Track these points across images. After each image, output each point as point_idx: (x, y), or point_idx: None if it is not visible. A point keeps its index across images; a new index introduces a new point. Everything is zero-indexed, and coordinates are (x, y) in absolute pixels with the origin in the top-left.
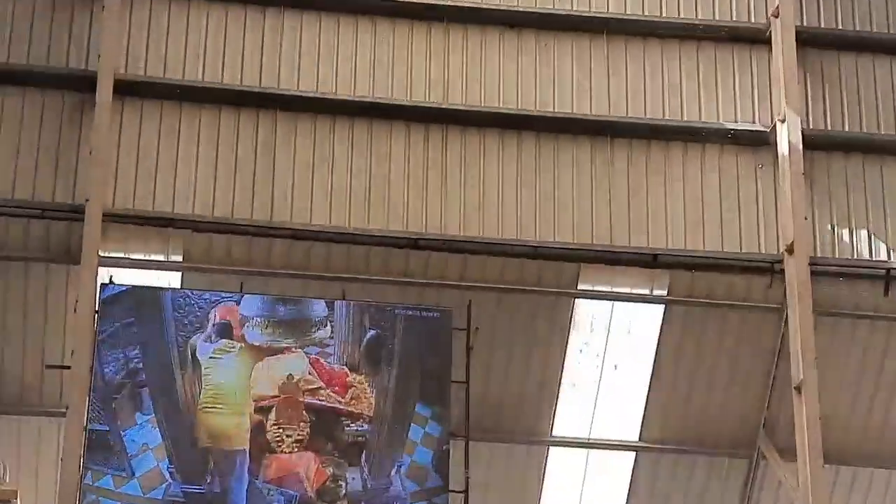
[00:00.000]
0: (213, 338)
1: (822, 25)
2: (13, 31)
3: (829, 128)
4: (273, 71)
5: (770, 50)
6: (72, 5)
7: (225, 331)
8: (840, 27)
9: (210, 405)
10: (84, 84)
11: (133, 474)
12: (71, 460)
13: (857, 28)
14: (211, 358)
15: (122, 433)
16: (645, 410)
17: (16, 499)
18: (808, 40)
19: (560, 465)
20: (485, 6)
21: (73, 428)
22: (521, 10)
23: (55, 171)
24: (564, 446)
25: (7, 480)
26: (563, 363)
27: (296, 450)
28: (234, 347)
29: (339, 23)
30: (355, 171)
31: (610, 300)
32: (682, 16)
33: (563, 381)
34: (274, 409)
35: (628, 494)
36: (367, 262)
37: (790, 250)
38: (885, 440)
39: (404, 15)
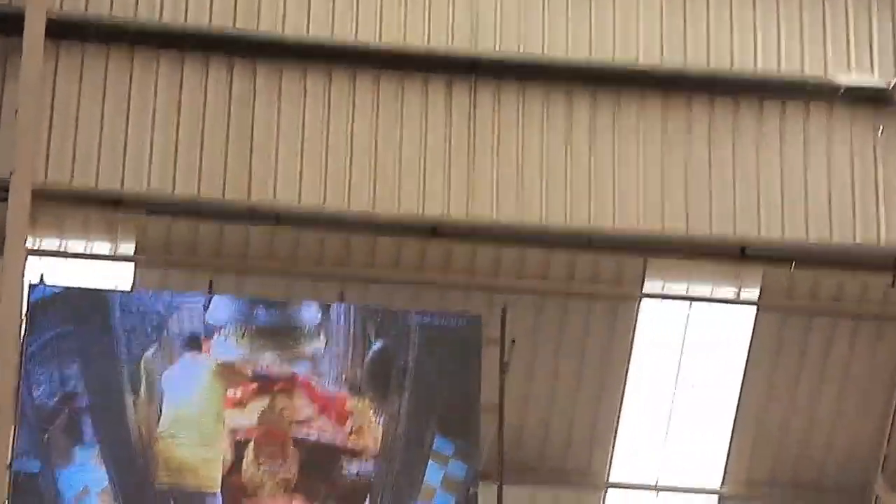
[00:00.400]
0: (173, 352)
1: None
2: None
3: None
4: (251, 8)
5: None
6: None
7: (189, 343)
8: None
9: (170, 435)
10: (7, 24)
11: None
12: None
13: None
14: (171, 378)
15: (57, 474)
16: (730, 446)
17: None
18: None
19: None
20: None
21: None
22: None
23: None
24: (626, 489)
25: None
26: (625, 385)
27: (281, 492)
28: (201, 364)
29: None
30: (357, 138)
31: (685, 301)
32: None
33: (624, 407)
34: (252, 443)
35: None
36: (371, 256)
37: None
38: None
39: None
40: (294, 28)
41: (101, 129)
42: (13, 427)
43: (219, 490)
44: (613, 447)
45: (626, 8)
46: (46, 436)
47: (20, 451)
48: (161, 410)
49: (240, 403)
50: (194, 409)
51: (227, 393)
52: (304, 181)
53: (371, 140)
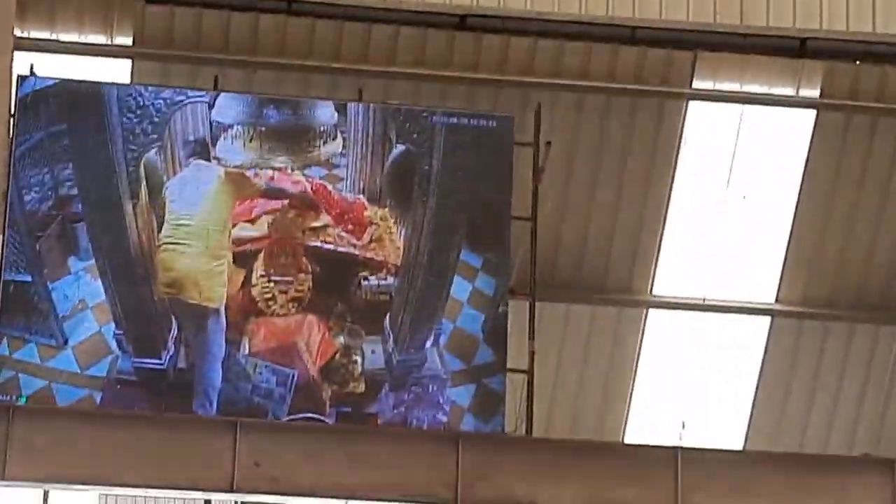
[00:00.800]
0: (176, 157)
1: None
2: None
3: None
4: None
5: None
6: None
7: (195, 149)
8: None
9: (173, 242)
10: None
11: (66, 343)
12: None
13: None
14: (175, 186)
15: (50, 286)
16: (785, 261)
17: None
18: None
19: (663, 335)
20: None
21: None
22: None
23: None
24: (670, 308)
25: None
26: (670, 191)
27: (293, 311)
28: (208, 172)
29: None
30: None
31: (738, 103)
32: None
33: (669, 216)
34: (262, 254)
35: (761, 368)
36: (393, 49)
37: None
38: None
39: None
40: None
41: None
42: (2, 235)
43: (223, 305)
44: (657, 261)
45: None
46: (38, 245)
47: (9, 262)
48: (164, 217)
49: (248, 212)
50: (199, 218)
51: (236, 202)
52: None
53: None
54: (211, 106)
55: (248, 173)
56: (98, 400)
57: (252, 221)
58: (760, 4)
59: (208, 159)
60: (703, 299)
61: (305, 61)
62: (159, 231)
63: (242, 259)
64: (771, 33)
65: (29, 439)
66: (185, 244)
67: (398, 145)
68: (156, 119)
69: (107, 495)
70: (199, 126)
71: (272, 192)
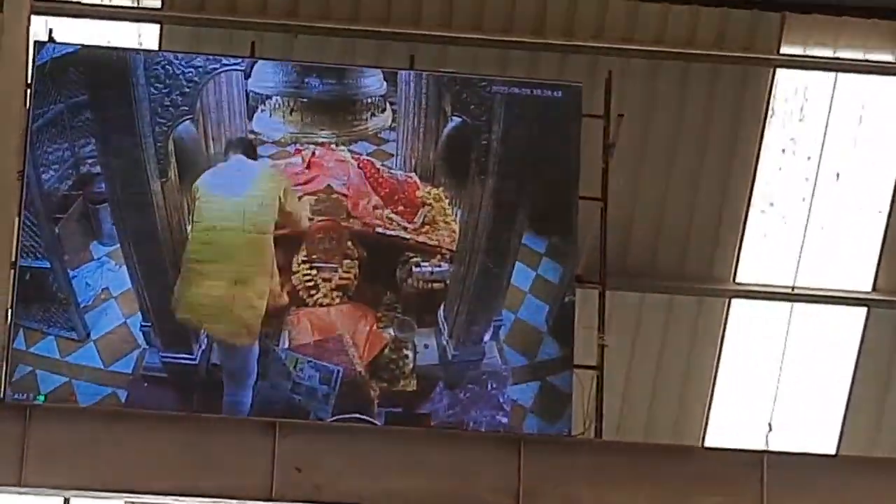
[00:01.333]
0: (210, 129)
1: None
2: None
3: None
4: None
5: None
6: None
7: (235, 144)
8: None
9: (206, 225)
10: None
11: (88, 336)
12: None
13: None
14: (210, 177)
15: (71, 273)
16: (883, 244)
17: None
18: None
19: (747, 327)
20: None
21: None
22: None
23: None
24: (755, 298)
25: None
26: (755, 168)
27: (337, 301)
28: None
29: None
30: None
31: (831, 70)
32: None
33: (754, 195)
34: (303, 239)
35: (857, 364)
36: (448, 11)
37: None
38: None
39: None
40: None
41: None
42: (18, 218)
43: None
44: (740, 246)
45: None
46: (57, 228)
47: (26, 247)
48: (194, 199)
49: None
50: (234, 198)
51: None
52: None
53: None
54: (247, 75)
55: (289, 149)
56: (123, 398)
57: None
58: None
59: (249, 156)
60: (792, 288)
61: (351, 25)
62: (190, 213)
63: (283, 243)
64: None
65: (48, 442)
66: (218, 227)
67: (454, 118)
68: (186, 89)
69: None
70: (234, 98)
71: (313, 161)
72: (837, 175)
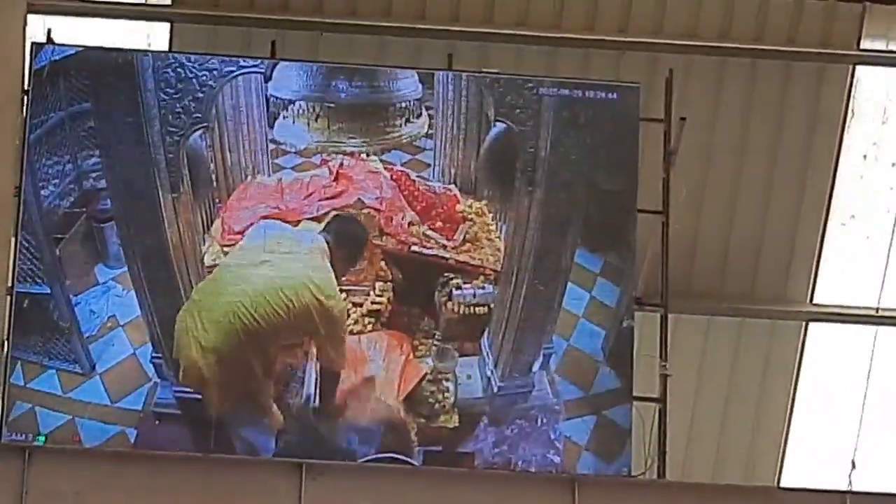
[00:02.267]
0: (226, 139)
1: None
2: None
3: None
4: None
5: None
6: None
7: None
8: None
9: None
10: None
11: (93, 369)
12: None
13: None
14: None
15: (74, 300)
16: None
17: None
18: None
19: (827, 353)
20: None
21: None
22: None
23: None
24: (835, 321)
25: None
26: (834, 178)
27: (369, 328)
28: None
29: None
30: None
31: None
32: None
33: (832, 207)
34: (330, 259)
35: None
36: (490, 6)
37: None
38: None
39: None
40: None
41: None
42: (14, 238)
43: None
44: (818, 263)
45: None
46: (58, 250)
47: (23, 271)
48: (211, 211)
49: (313, 207)
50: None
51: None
52: None
53: None
54: (268, 78)
55: (314, 160)
56: (132, 438)
57: (319, 219)
58: None
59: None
60: (877, 309)
61: (383, 21)
62: (206, 230)
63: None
64: None
65: (50, 486)
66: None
67: (497, 123)
68: (200, 94)
69: None
70: (253, 104)
71: (341, 172)
72: None
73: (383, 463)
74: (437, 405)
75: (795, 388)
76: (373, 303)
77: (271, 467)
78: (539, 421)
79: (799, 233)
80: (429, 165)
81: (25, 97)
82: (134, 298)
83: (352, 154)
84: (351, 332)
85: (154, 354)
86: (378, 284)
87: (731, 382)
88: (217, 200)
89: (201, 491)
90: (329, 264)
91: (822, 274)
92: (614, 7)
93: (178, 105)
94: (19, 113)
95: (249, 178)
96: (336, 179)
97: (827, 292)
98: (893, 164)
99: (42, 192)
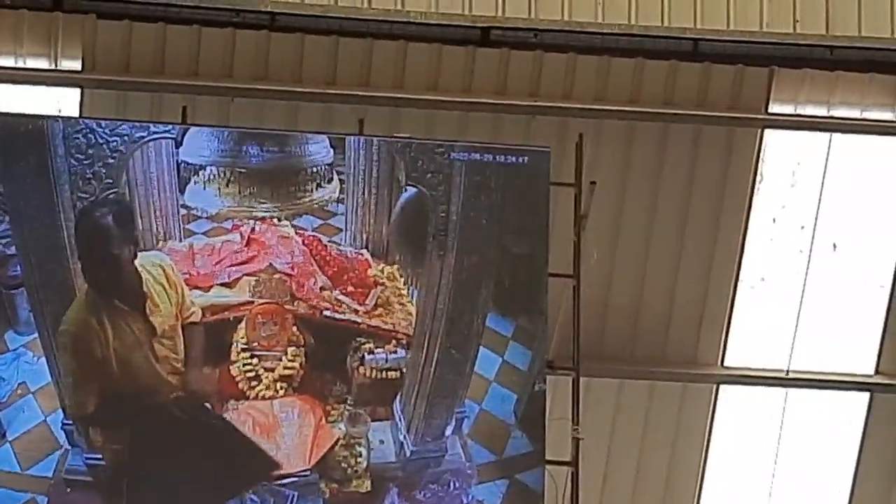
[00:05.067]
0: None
1: None
2: None
3: None
4: None
5: None
6: None
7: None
8: None
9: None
10: None
11: (3, 436)
12: None
13: None
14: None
15: None
16: (886, 322)
17: None
18: None
19: (737, 415)
20: None
21: None
22: None
23: None
24: (745, 383)
25: None
26: (744, 240)
27: (281, 393)
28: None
29: None
30: None
31: (825, 131)
32: None
33: (742, 270)
34: (243, 325)
35: (860, 455)
36: (400, 71)
37: None
38: None
39: None
40: None
41: None
42: None
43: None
44: (728, 326)
45: None
46: None
47: None
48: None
49: (226, 283)
50: (163, 280)
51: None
52: None
53: None
54: (179, 143)
55: (225, 225)
56: None
57: (230, 285)
58: (851, 9)
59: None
60: (787, 371)
61: (294, 87)
62: None
63: (219, 328)
64: (864, 44)
65: None
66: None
67: (408, 187)
68: (111, 160)
69: None
70: (164, 169)
71: (252, 238)
72: (834, 246)
73: None
74: (349, 470)
75: (707, 451)
76: (285, 368)
77: None
78: (452, 485)
79: (709, 295)
80: (340, 230)
81: None
82: (44, 365)
83: (263, 219)
84: (263, 398)
85: (65, 421)
86: (290, 349)
87: (643, 445)
88: None
89: None
90: None
91: (732, 336)
92: (524, 71)
93: (88, 171)
94: None
95: (161, 243)
96: (248, 244)
97: (737, 355)
98: (802, 228)
99: None
